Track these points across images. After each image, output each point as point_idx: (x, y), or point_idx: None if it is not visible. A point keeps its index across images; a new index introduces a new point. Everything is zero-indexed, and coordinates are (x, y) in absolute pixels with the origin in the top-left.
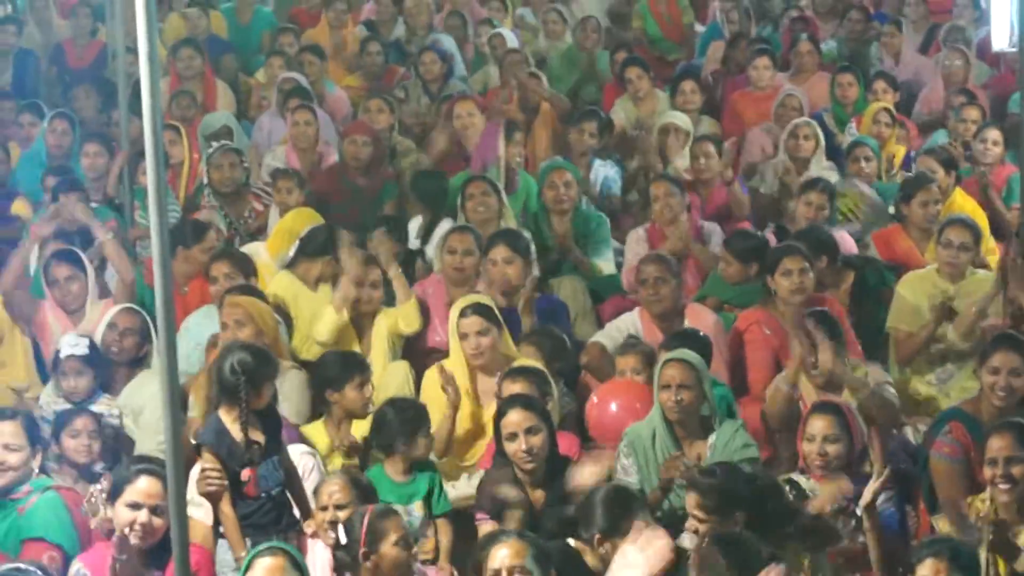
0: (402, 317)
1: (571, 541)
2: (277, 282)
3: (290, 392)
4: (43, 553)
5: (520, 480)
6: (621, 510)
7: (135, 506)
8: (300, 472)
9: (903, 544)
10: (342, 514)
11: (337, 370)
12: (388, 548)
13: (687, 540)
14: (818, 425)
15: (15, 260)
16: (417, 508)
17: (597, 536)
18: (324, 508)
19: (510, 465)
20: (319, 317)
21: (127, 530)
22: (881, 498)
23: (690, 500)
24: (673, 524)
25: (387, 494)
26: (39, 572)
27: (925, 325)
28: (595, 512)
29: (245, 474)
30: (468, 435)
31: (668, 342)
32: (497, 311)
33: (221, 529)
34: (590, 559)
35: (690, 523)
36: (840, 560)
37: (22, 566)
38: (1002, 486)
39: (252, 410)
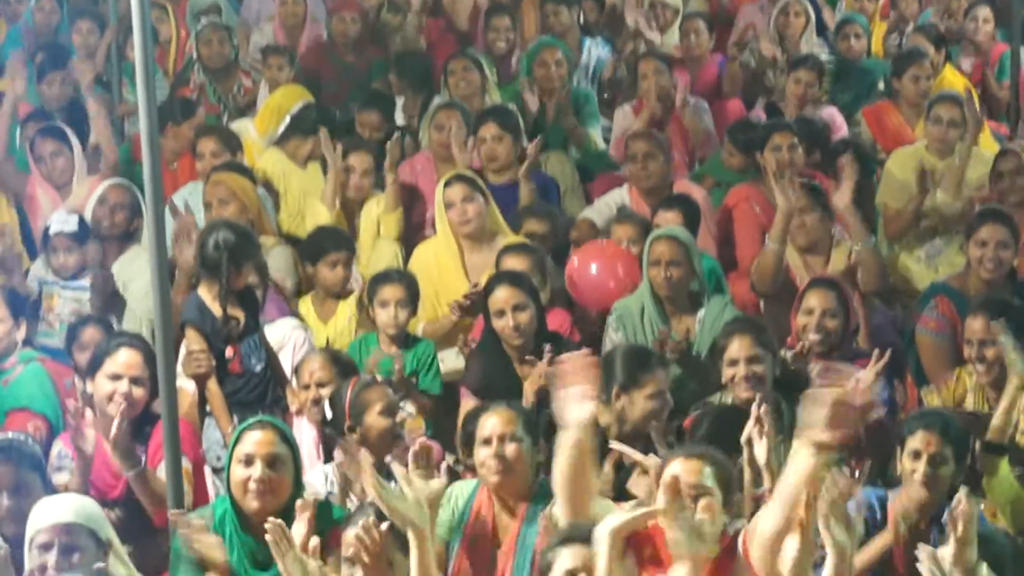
0: (384, 224)
1: None
2: (267, 158)
3: (276, 268)
4: (27, 423)
5: (508, 357)
6: (640, 364)
7: (115, 377)
8: (291, 345)
9: (892, 418)
10: (324, 391)
11: (312, 246)
12: (373, 419)
13: None
14: (817, 299)
15: None
16: None
17: (616, 390)
18: (306, 387)
19: (498, 341)
20: (311, 214)
21: (108, 402)
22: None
23: None
24: None
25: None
26: (30, 439)
27: (913, 198)
28: (615, 368)
29: (230, 351)
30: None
31: (658, 207)
32: (482, 183)
33: (208, 408)
34: (604, 418)
35: None
36: None
37: (11, 434)
38: (979, 367)
39: (231, 289)
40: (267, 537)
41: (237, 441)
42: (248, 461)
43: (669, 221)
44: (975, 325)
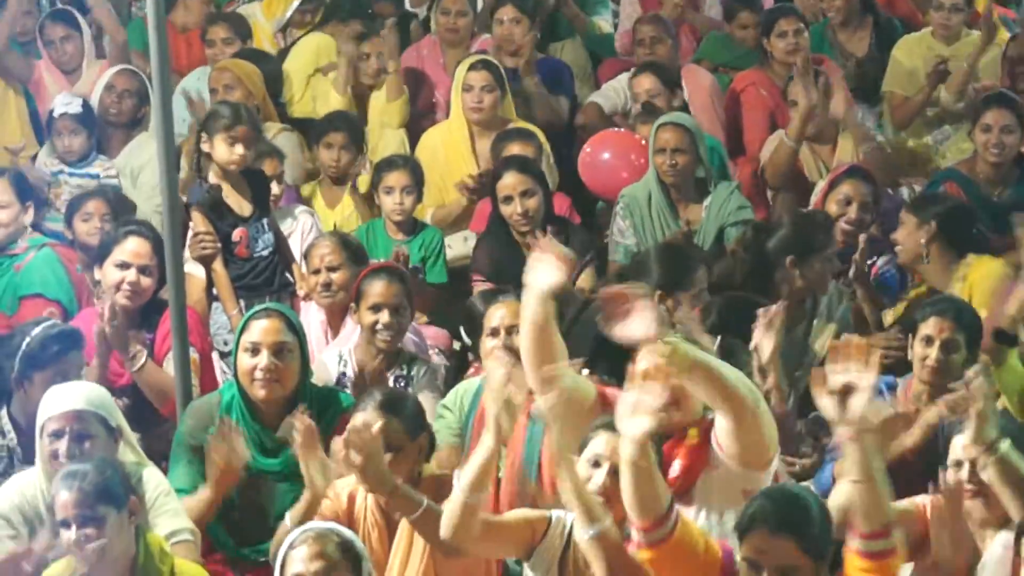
0: (386, 113)
1: None
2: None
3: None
4: (43, 309)
5: (516, 243)
6: (680, 263)
7: (123, 266)
8: (299, 231)
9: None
10: (335, 276)
11: (315, 129)
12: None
13: None
14: (854, 189)
15: (2, 22)
16: None
17: (659, 293)
18: (316, 271)
19: (507, 227)
20: (323, 99)
21: (115, 291)
22: (882, 260)
23: None
24: None
25: (380, 251)
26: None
27: (921, 89)
28: (650, 268)
29: (236, 234)
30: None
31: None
32: (504, 75)
33: (215, 292)
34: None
35: None
36: None
37: (51, 322)
38: None
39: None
40: (296, 440)
41: (243, 329)
42: (254, 350)
43: (643, 85)
44: None
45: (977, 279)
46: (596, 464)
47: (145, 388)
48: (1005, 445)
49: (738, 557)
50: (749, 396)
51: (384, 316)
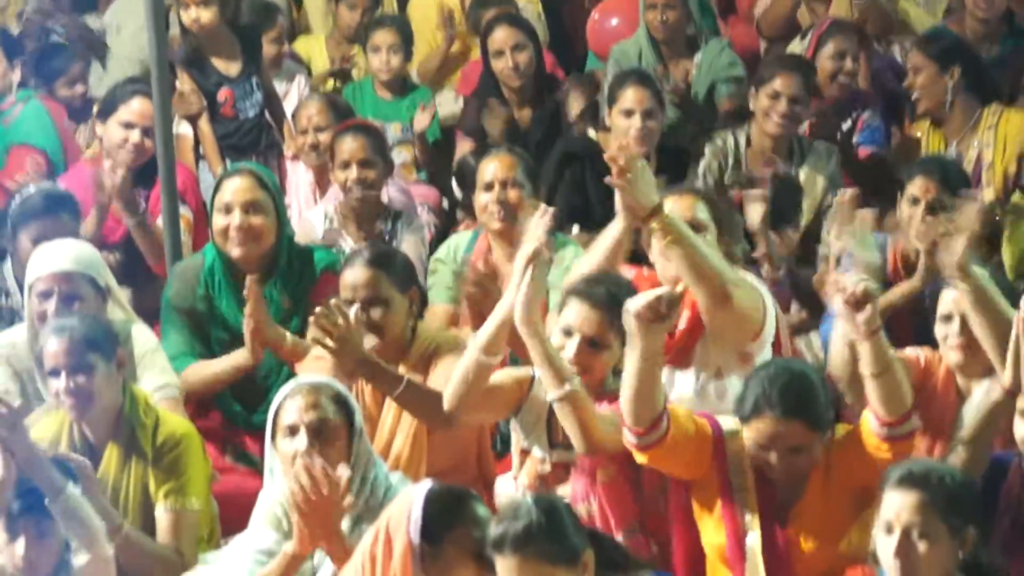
0: None
1: None
2: None
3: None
4: (27, 156)
5: (507, 100)
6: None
7: (128, 125)
8: (296, 90)
9: (886, 160)
10: (322, 136)
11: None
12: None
13: None
14: (837, 43)
15: None
16: (394, 129)
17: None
18: (304, 131)
19: (497, 85)
20: None
21: (118, 149)
22: (867, 114)
23: None
24: None
25: (368, 111)
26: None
27: None
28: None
29: (222, 94)
30: (460, 56)
31: None
32: None
33: (202, 151)
34: None
35: None
36: None
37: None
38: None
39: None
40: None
41: (216, 190)
42: (227, 209)
43: None
44: None
45: (1012, 132)
46: (568, 333)
47: (141, 243)
48: (983, 273)
49: (725, 428)
50: (721, 278)
51: (352, 172)
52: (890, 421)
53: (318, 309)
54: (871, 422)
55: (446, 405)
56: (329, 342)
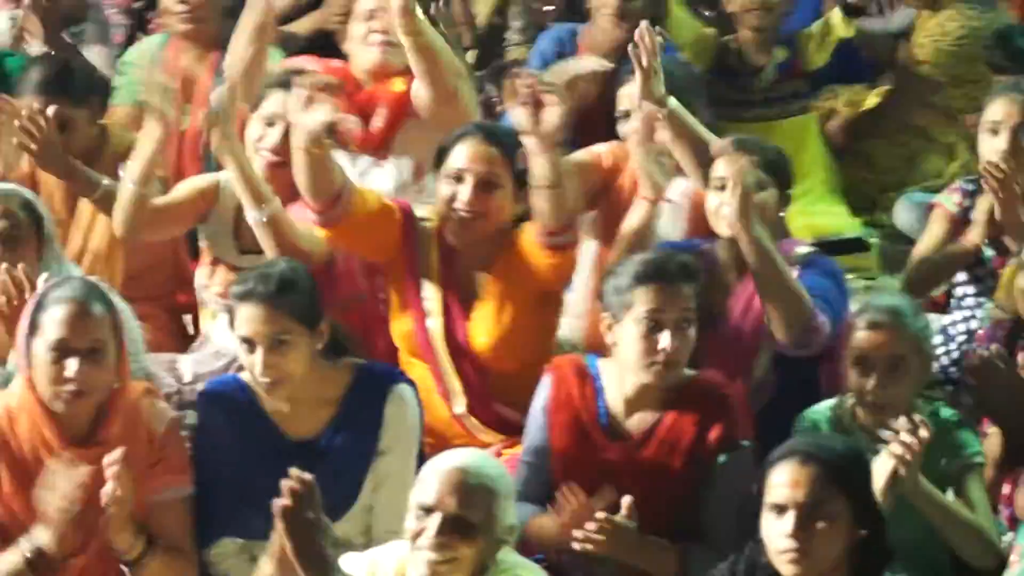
0: None
1: None
2: None
3: None
4: None
5: None
6: None
7: None
8: None
9: None
10: None
11: None
12: None
13: None
14: None
15: None
16: None
17: None
18: None
19: None
20: None
21: None
22: None
23: None
24: None
25: None
26: None
27: None
28: None
29: None
30: None
31: None
32: None
33: None
34: None
35: None
36: None
37: None
38: None
39: None
40: None
41: None
42: None
43: None
44: None
45: None
46: (270, 123)
47: None
48: (673, 101)
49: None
50: (451, 72)
51: None
52: (553, 230)
53: (24, 108)
54: (537, 235)
55: (116, 231)
56: (33, 146)
